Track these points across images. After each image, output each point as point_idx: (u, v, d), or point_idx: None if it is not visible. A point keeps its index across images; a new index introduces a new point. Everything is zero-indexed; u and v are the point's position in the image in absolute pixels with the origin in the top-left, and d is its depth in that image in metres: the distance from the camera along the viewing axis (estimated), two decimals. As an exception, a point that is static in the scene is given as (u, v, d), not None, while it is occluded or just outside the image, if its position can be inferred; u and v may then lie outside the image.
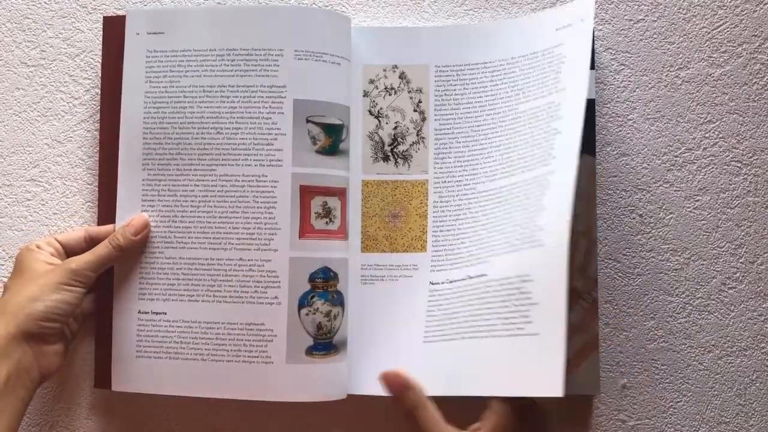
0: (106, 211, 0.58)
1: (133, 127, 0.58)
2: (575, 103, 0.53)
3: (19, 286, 0.52)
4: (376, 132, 0.60)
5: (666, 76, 0.62)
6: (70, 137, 0.61)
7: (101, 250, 0.55)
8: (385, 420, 0.59)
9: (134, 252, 0.57)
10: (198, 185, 0.57)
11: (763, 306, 0.61)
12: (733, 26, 0.62)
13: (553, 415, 0.56)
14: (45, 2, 0.62)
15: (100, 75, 0.60)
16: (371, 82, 0.60)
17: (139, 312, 0.57)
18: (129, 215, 0.57)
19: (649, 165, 0.61)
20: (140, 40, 0.58)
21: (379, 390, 0.52)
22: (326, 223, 0.57)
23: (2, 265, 0.61)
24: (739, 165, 0.61)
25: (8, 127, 0.61)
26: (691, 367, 0.61)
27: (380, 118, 0.60)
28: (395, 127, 0.60)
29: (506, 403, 0.51)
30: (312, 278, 0.56)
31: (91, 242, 0.56)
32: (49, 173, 0.61)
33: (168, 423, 0.60)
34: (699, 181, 0.61)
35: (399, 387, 0.50)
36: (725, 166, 0.61)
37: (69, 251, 0.56)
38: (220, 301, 0.56)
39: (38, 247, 0.55)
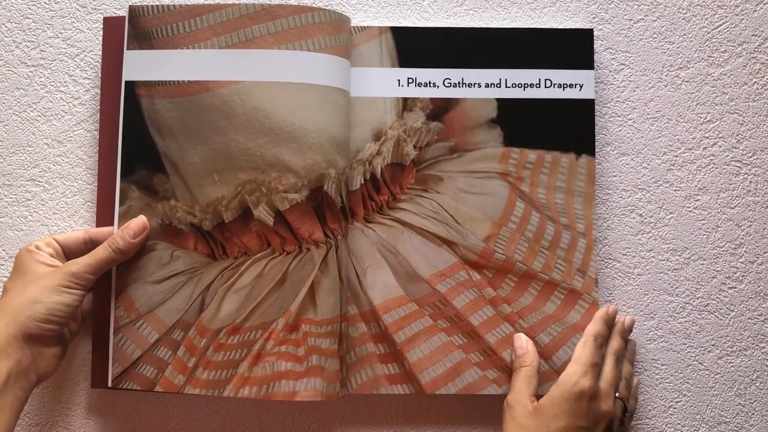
0: (105, 212, 0.59)
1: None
2: None
3: (20, 288, 0.52)
4: None
5: (666, 76, 0.62)
6: (70, 137, 0.61)
7: (101, 253, 0.54)
8: (384, 420, 0.59)
9: (133, 254, 0.57)
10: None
11: (763, 306, 0.61)
12: (733, 26, 0.62)
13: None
14: (45, 2, 0.62)
15: (99, 75, 0.60)
16: None
17: None
18: (127, 215, 0.57)
19: (649, 165, 0.61)
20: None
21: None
22: None
23: (2, 265, 0.61)
24: (739, 165, 0.61)
25: (8, 127, 0.61)
26: (691, 367, 0.60)
27: None
28: None
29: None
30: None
31: (91, 244, 0.56)
32: (49, 173, 0.61)
33: (168, 423, 0.60)
34: (699, 181, 0.61)
35: (522, 349, 0.57)
36: (725, 166, 0.61)
37: (68, 252, 0.56)
38: None
39: (37, 247, 0.55)
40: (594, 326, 0.57)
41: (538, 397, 0.55)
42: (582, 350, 0.55)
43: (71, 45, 0.62)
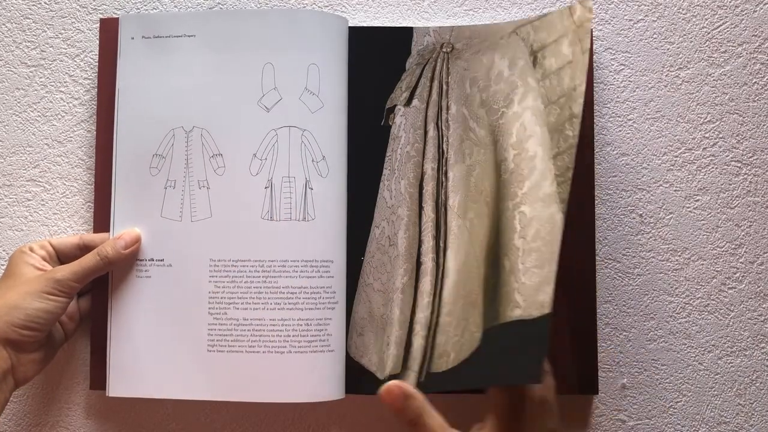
0: (102, 217, 0.58)
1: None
2: None
3: (3, 291, 0.52)
4: None
5: (666, 76, 0.62)
6: (70, 137, 0.61)
7: (88, 261, 0.54)
8: (384, 420, 0.59)
9: (123, 264, 0.57)
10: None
11: (763, 306, 0.61)
12: (733, 26, 0.62)
13: (554, 405, 0.50)
14: (45, 2, 0.62)
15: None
16: None
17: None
18: (124, 224, 0.57)
19: (649, 165, 0.61)
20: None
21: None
22: None
23: (3, 265, 0.61)
24: (739, 165, 0.61)
25: (8, 127, 0.62)
26: (691, 367, 0.61)
27: None
28: None
29: (504, 398, 0.48)
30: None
31: (85, 249, 0.56)
32: (49, 173, 0.61)
33: (167, 423, 0.60)
34: (699, 181, 0.61)
35: (400, 397, 0.47)
36: (725, 166, 0.61)
37: (62, 256, 0.56)
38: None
39: (31, 249, 0.55)
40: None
41: None
42: None
43: (71, 45, 0.62)
